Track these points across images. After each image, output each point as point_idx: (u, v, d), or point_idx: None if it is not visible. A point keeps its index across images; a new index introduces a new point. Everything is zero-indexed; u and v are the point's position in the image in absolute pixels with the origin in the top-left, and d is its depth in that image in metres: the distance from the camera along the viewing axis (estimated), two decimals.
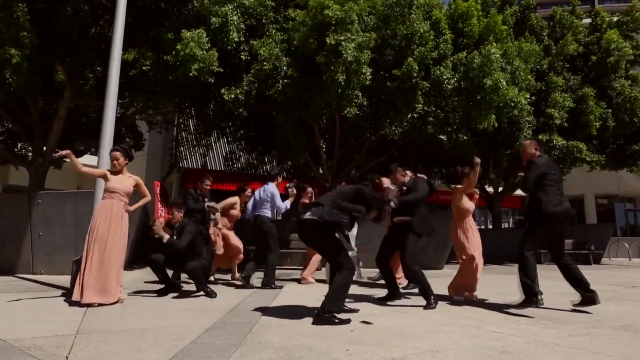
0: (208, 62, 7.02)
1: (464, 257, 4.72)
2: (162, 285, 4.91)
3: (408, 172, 4.84)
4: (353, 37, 7.83)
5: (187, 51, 6.77)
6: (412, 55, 8.65)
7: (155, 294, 4.77)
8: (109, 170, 4.44)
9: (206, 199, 6.21)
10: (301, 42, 8.12)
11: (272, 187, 5.79)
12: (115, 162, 4.37)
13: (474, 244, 4.73)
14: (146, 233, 8.63)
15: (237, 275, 6.12)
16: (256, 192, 5.92)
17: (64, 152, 4.15)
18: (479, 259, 4.70)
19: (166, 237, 4.67)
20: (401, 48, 9.12)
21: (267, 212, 5.71)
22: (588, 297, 3.95)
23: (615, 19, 13.83)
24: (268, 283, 5.42)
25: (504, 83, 8.93)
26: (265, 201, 5.72)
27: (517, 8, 13.53)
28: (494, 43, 9.40)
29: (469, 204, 4.85)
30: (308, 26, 7.97)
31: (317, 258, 6.28)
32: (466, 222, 4.81)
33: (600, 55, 12.41)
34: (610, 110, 12.22)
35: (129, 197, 4.36)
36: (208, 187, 6.11)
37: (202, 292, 4.68)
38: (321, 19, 7.77)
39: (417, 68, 8.48)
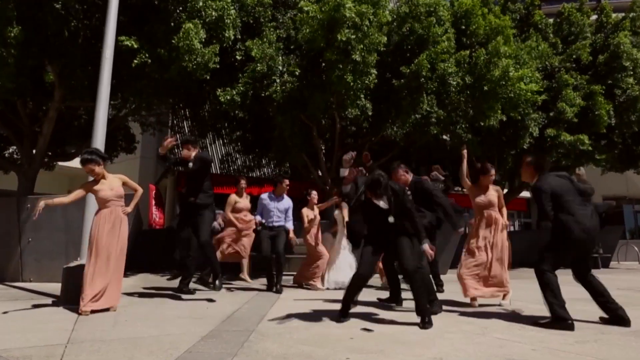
0: (207, 58, 6.99)
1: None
2: (155, 292, 4.92)
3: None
4: (364, 38, 7.89)
5: (186, 42, 6.67)
6: (424, 53, 8.69)
7: (149, 300, 4.76)
8: (89, 182, 4.32)
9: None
10: (309, 37, 8.11)
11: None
12: (91, 174, 4.26)
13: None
14: (139, 240, 8.68)
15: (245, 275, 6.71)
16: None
17: (39, 209, 4.05)
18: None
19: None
20: (413, 47, 9.17)
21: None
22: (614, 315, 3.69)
23: (620, 15, 13.87)
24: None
25: (513, 71, 8.97)
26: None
27: (520, 6, 13.59)
28: (499, 39, 9.43)
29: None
30: (317, 21, 7.96)
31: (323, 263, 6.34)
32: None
33: (608, 56, 12.47)
34: (613, 108, 12.29)
35: (123, 198, 4.37)
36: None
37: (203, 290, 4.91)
38: (337, 16, 7.76)
39: (428, 66, 8.53)
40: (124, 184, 4.43)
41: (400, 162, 4.83)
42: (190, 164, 4.94)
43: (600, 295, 3.71)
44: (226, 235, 6.48)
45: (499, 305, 4.67)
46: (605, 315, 3.76)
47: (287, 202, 6.20)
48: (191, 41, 6.69)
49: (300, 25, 8.30)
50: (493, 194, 4.81)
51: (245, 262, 6.73)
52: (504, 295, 4.71)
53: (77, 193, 4.28)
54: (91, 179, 4.34)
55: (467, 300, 4.85)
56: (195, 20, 6.89)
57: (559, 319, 3.50)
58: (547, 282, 3.61)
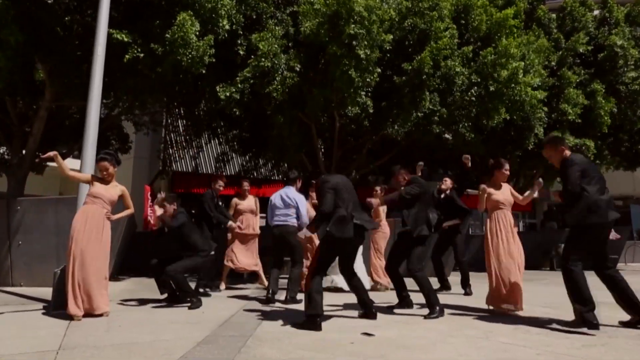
0: (202, 51, 6.98)
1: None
2: (150, 297, 4.92)
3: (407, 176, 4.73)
4: (368, 35, 7.90)
5: (181, 34, 6.63)
6: (426, 48, 8.70)
7: (144, 304, 4.76)
8: (94, 176, 4.45)
9: (221, 203, 6.48)
10: (311, 30, 8.11)
11: (295, 192, 5.52)
12: (104, 172, 4.39)
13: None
14: (133, 243, 8.66)
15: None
16: (275, 198, 5.65)
17: (50, 154, 4.16)
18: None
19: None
20: (415, 43, 9.18)
21: (293, 221, 5.39)
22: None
23: (623, 9, 13.89)
24: (293, 297, 5.23)
25: (522, 74, 8.98)
26: (289, 207, 5.44)
27: (525, 1, 13.59)
28: (504, 39, 9.44)
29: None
30: (321, 14, 7.97)
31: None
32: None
33: (608, 53, 12.53)
34: (617, 104, 12.34)
35: (113, 205, 4.39)
36: (221, 188, 6.47)
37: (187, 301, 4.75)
38: (344, 10, 7.75)
39: (431, 63, 8.54)
40: (122, 196, 4.48)
41: (401, 167, 4.78)
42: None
43: (621, 291, 3.66)
44: (232, 246, 6.48)
45: (513, 310, 4.47)
46: (624, 320, 3.71)
47: None
48: (186, 33, 6.67)
49: (302, 17, 8.29)
50: (507, 192, 4.71)
51: (260, 269, 6.64)
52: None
53: (81, 175, 4.45)
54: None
55: (474, 305, 4.86)
56: (189, 12, 6.87)
57: (586, 319, 3.50)
58: (574, 280, 3.60)
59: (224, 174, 6.41)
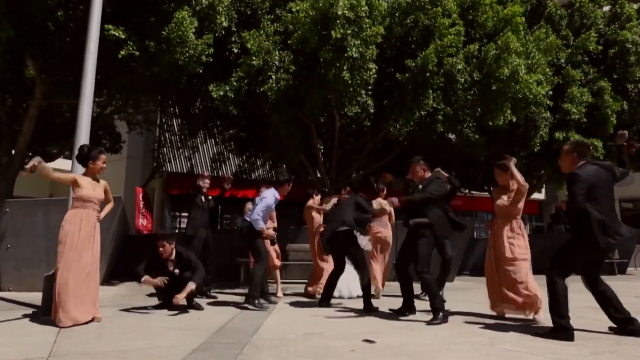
0: (200, 50, 6.98)
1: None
2: (143, 302, 4.91)
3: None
4: (360, 32, 7.92)
5: (179, 33, 6.64)
6: (431, 46, 8.72)
7: (137, 310, 4.76)
8: (79, 175, 4.43)
9: (210, 198, 6.55)
10: (301, 37, 8.16)
11: (267, 191, 5.34)
12: (104, 165, 4.47)
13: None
14: (125, 246, 8.65)
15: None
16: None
17: (34, 162, 4.00)
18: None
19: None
20: (418, 39, 9.20)
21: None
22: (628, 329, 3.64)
23: (635, 6, 13.92)
24: (250, 301, 5.09)
25: (523, 71, 9.00)
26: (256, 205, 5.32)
27: None
28: (510, 34, 9.47)
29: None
30: (311, 18, 8.02)
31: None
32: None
33: (619, 50, 12.56)
34: (625, 103, 12.37)
35: (100, 203, 4.41)
36: (207, 185, 6.50)
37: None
38: (329, 14, 7.82)
39: (435, 60, 8.55)
40: (105, 191, 4.49)
41: (422, 158, 4.79)
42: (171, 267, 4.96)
43: (610, 304, 3.69)
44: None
45: (532, 320, 4.39)
46: (614, 325, 3.75)
47: None
48: (185, 32, 6.66)
49: (293, 25, 8.35)
50: (511, 194, 4.63)
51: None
52: (536, 311, 4.39)
53: (66, 176, 4.37)
54: (81, 172, 4.48)
55: (479, 311, 4.85)
56: (186, 7, 6.87)
57: (560, 329, 3.52)
58: (555, 291, 3.59)
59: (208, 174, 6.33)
